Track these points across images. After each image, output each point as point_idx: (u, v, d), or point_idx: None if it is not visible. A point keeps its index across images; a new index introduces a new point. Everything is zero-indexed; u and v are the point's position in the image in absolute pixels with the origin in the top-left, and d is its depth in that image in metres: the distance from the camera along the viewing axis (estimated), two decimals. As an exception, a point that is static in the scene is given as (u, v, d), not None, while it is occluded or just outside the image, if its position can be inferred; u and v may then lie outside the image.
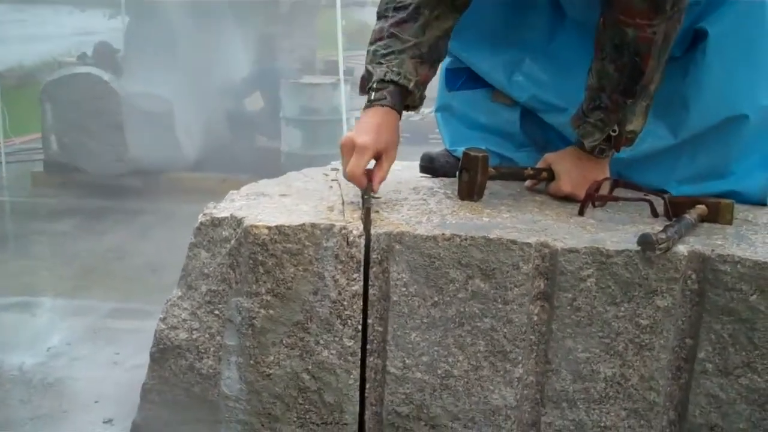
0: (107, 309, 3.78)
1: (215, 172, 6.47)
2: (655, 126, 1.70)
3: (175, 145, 6.65)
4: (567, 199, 1.69)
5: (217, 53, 6.96)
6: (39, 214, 5.98)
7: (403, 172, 1.97)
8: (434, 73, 1.72)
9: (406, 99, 1.66)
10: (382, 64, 1.64)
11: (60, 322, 3.54)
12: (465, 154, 1.67)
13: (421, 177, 1.92)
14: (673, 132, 1.73)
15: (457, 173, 1.70)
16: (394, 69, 1.62)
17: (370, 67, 1.66)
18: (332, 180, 1.84)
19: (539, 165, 1.74)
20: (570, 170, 1.68)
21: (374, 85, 1.63)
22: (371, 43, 1.68)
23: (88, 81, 6.49)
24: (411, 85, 1.64)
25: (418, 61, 1.64)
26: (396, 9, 1.66)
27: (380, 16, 1.70)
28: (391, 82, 1.62)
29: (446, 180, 1.88)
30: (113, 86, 6.48)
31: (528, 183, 1.79)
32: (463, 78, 1.93)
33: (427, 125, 8.18)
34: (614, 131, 1.59)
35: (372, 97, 1.63)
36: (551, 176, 1.72)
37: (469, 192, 1.68)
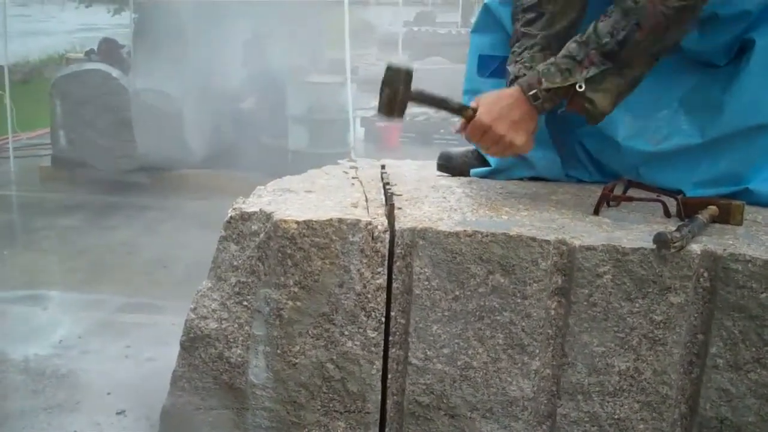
0: (117, 303, 3.80)
1: (222, 169, 6.51)
2: (687, 124, 1.75)
3: (182, 142, 6.69)
4: (485, 137, 1.63)
5: (225, 51, 7.00)
6: (47, 209, 6.01)
7: (421, 170, 2.03)
8: None
9: None
10: (517, 62, 1.76)
11: (70, 315, 3.55)
12: (388, 68, 1.59)
13: (439, 176, 1.97)
14: (701, 132, 1.75)
15: (379, 90, 1.62)
16: (525, 65, 1.74)
17: (509, 68, 1.78)
18: (353, 177, 1.89)
19: (472, 104, 1.69)
20: (492, 103, 1.64)
21: (509, 83, 1.75)
22: (510, 46, 1.81)
23: (97, 77, 6.54)
24: None
25: (547, 52, 1.72)
26: (524, 11, 1.78)
27: (513, 20, 1.82)
28: (522, 76, 1.69)
29: (463, 179, 1.93)
30: (122, 83, 6.52)
31: (460, 126, 1.71)
32: (495, 66, 1.96)
33: (432, 126, 8.26)
34: (580, 87, 1.57)
35: None
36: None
37: (390, 107, 1.59)
